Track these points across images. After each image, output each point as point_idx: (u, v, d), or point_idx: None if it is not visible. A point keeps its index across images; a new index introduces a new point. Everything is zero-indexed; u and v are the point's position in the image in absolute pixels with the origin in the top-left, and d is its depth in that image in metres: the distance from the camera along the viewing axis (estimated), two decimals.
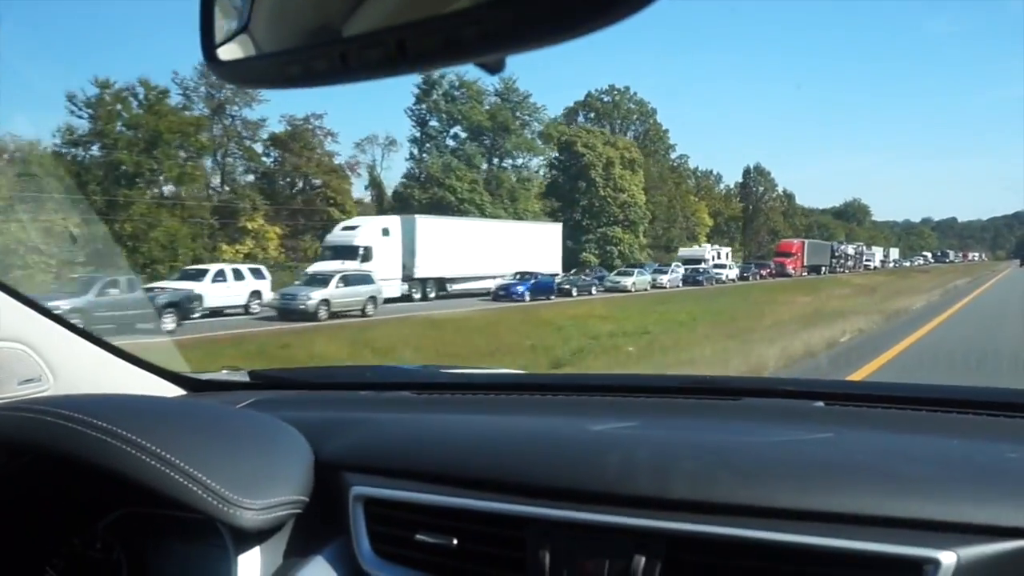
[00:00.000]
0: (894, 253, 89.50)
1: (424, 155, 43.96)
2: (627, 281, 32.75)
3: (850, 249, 67.60)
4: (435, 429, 1.11)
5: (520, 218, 40.56)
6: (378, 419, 1.16)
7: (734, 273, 43.64)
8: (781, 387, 1.28)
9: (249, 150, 36.75)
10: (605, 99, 55.86)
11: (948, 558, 0.69)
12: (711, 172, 69.22)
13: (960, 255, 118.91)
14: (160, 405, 1.20)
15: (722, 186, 69.36)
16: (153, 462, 0.87)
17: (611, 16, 0.40)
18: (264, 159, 37.25)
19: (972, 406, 1.07)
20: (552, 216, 43.83)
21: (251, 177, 37.03)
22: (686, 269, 39.94)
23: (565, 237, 41.47)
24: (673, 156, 60.41)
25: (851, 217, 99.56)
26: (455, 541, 0.87)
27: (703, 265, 42.13)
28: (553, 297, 26.80)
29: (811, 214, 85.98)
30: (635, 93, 57.26)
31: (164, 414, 1.08)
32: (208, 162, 35.34)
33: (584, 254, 43.58)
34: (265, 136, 36.56)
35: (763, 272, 47.23)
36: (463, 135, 44.72)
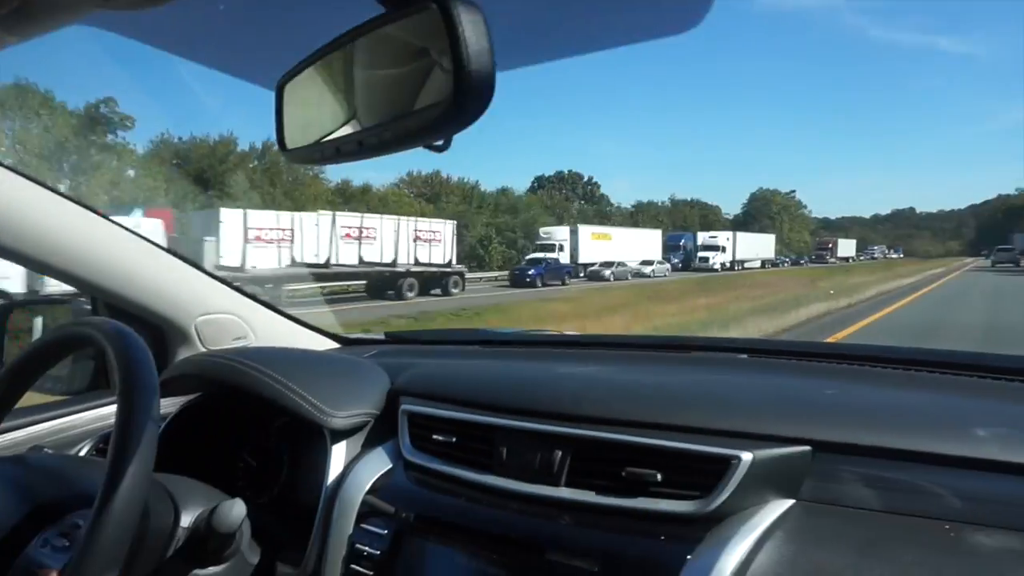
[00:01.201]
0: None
1: None
2: None
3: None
4: (462, 370, 1.57)
5: None
6: (434, 363, 1.62)
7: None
8: (722, 344, 1.67)
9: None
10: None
11: (746, 456, 0.99)
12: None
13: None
14: (295, 353, 1.71)
15: None
16: (279, 386, 1.34)
17: (442, 133, 0.66)
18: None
19: (851, 358, 1.40)
20: None
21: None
22: None
23: None
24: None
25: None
26: (454, 439, 1.26)
27: None
28: None
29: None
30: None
31: (296, 358, 1.58)
32: None
33: None
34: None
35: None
36: None
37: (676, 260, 53.29)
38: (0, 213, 1.37)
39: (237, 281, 2.03)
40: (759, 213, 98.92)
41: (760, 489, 0.99)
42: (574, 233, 44.75)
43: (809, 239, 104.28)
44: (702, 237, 61.22)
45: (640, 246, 49.37)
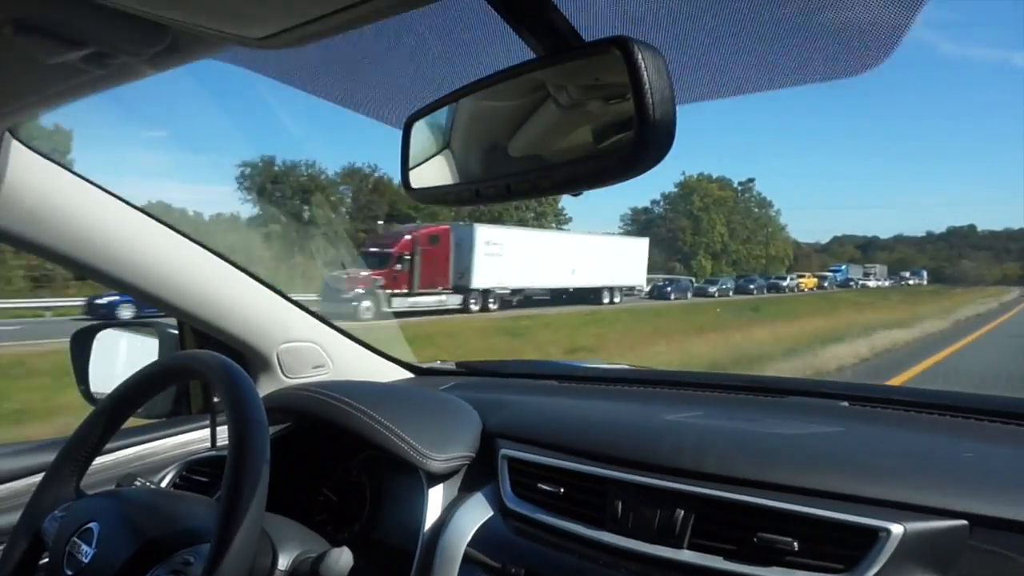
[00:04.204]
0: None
1: None
2: None
3: None
4: (559, 412, 1.50)
5: None
6: (524, 401, 1.57)
7: None
8: (817, 389, 1.57)
9: None
10: None
11: (897, 529, 0.92)
12: None
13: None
14: (388, 388, 1.68)
15: None
16: (378, 427, 1.30)
17: (624, 177, 0.61)
18: None
19: (961, 411, 1.31)
20: None
21: None
22: None
23: None
24: None
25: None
26: (562, 490, 1.21)
27: None
28: None
29: None
30: None
31: (389, 394, 1.54)
32: None
33: None
34: None
35: None
36: None
37: None
38: (96, 235, 1.38)
39: None
40: (673, 211, 67.38)
41: (910, 565, 0.92)
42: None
43: (776, 253, 72.29)
44: None
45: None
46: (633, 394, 1.72)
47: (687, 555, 1.05)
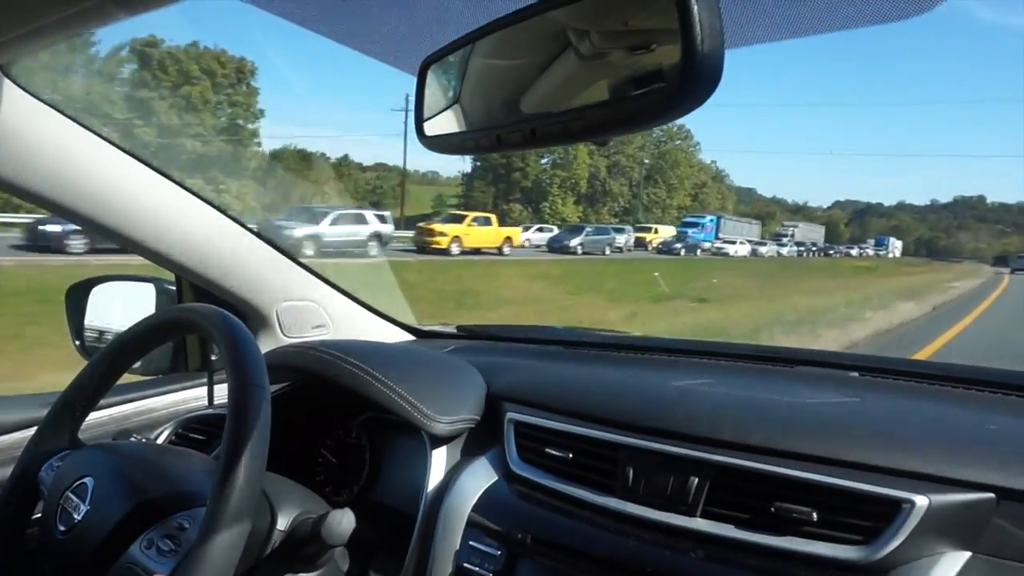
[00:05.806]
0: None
1: None
2: None
3: None
4: (568, 376, 1.47)
5: None
6: (530, 365, 1.54)
7: None
8: (827, 359, 1.54)
9: None
10: None
11: (921, 500, 0.89)
12: None
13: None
14: (392, 348, 1.64)
15: None
16: (383, 388, 1.26)
17: (666, 118, 0.57)
18: None
19: (977, 383, 1.29)
20: None
21: None
22: None
23: None
24: None
25: None
26: (570, 455, 1.18)
27: None
28: None
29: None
30: None
31: (394, 355, 1.50)
32: None
33: None
34: None
35: None
36: None
37: None
38: (92, 183, 1.32)
39: None
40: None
41: (934, 538, 0.89)
42: None
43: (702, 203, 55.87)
44: None
45: None
46: (641, 361, 1.69)
47: (700, 523, 1.02)
